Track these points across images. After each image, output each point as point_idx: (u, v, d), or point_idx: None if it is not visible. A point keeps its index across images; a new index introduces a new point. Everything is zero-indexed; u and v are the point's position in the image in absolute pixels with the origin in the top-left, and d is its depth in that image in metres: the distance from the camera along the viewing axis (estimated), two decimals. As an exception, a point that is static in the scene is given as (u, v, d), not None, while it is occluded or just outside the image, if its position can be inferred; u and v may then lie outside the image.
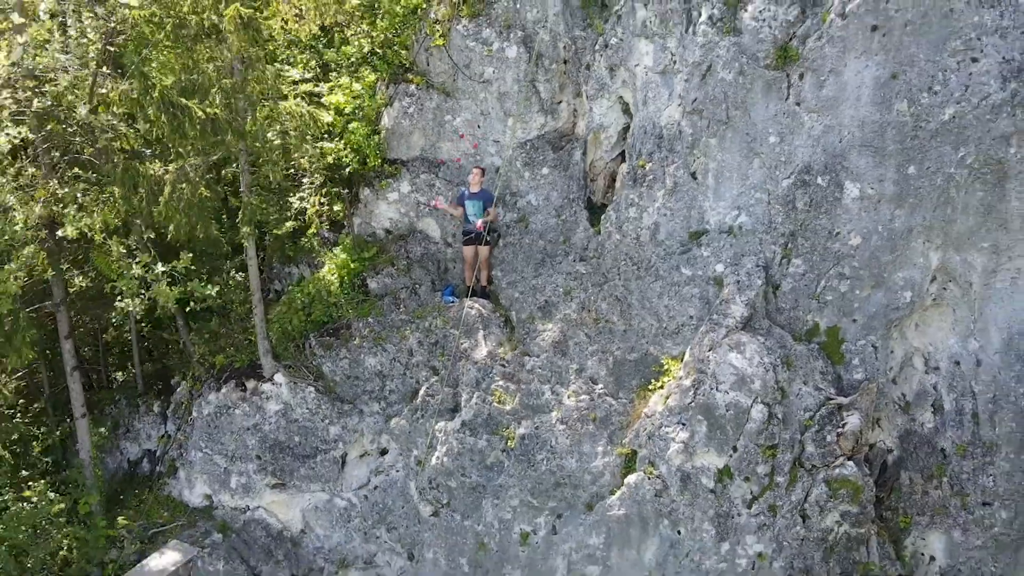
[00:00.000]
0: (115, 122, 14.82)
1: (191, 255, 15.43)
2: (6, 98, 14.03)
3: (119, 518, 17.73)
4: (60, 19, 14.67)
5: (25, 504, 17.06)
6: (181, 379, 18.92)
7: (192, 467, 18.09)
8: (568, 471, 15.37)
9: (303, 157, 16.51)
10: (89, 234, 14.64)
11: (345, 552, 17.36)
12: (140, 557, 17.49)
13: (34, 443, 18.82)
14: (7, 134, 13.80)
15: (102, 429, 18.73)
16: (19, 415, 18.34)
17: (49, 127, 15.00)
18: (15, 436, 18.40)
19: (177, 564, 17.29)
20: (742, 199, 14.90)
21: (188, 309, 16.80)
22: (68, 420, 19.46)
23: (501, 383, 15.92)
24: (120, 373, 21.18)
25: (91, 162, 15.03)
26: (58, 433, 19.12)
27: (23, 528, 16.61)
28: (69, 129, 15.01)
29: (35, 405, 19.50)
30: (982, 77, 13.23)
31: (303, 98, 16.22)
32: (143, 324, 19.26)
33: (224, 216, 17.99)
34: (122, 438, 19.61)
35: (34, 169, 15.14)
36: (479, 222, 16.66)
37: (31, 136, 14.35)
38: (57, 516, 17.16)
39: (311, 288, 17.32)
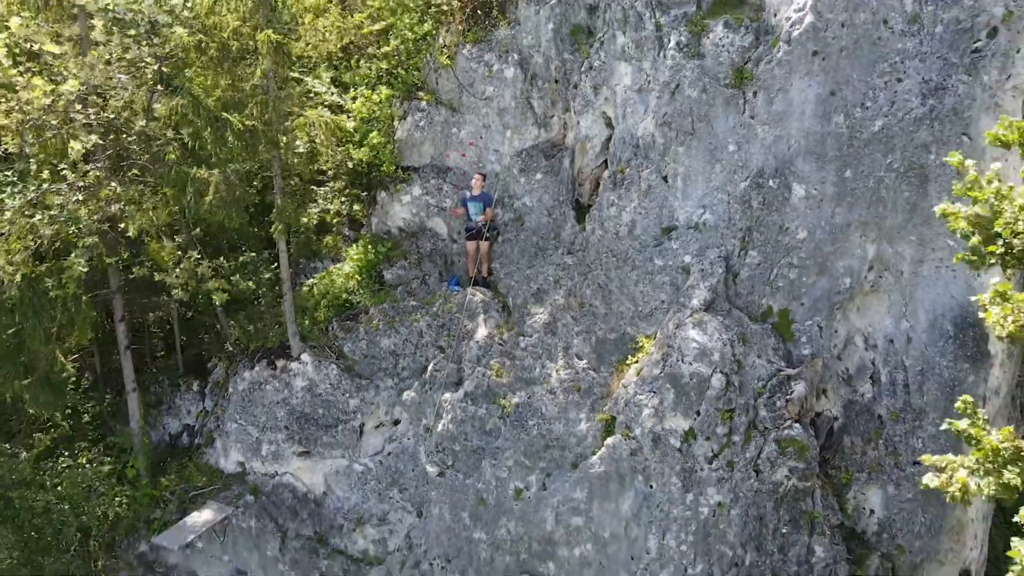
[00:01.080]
0: (167, 132, 17.17)
1: (236, 254, 17.80)
2: (79, 111, 16.38)
3: (162, 480, 20.01)
4: (122, 45, 16.95)
5: (79, 468, 19.36)
6: (218, 360, 21.22)
7: (228, 437, 20.33)
8: (556, 435, 17.58)
9: (328, 160, 18.78)
10: (145, 233, 16.95)
11: (362, 511, 19.54)
12: (182, 515, 19.82)
13: (84, 415, 21.09)
14: (81, 141, 16.13)
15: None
16: (73, 390, 20.56)
17: (111, 137, 17.34)
18: (69, 408, 20.62)
19: (214, 520, 19.68)
20: (706, 199, 17.15)
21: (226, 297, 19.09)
22: (114, 396, 21.77)
23: (499, 359, 18.15)
24: (163, 355, 23.42)
25: (147, 167, 17.37)
26: (107, 406, 21.39)
27: (80, 487, 18.89)
28: (128, 138, 17.36)
29: (85, 380, 21.73)
30: (905, 95, 15.47)
31: (327, 108, 18.50)
32: (185, 311, 21.54)
33: (257, 214, 20.26)
34: (164, 414, 21.87)
35: (97, 172, 17.44)
36: (480, 220, 18.92)
37: (99, 141, 16.63)
38: (108, 477, 19.44)
39: (333, 278, 19.61)
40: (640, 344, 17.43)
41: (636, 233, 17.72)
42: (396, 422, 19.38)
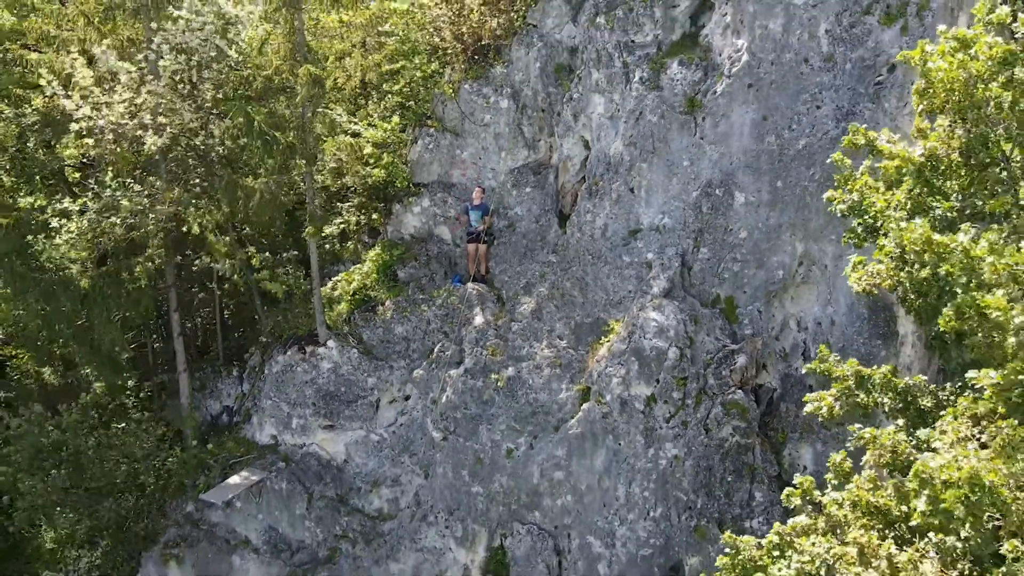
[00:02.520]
0: (220, 148, 20.56)
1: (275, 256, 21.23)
2: (150, 123, 19.75)
3: (208, 446, 23.16)
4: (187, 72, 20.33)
5: (139, 429, 22.52)
6: (255, 349, 24.41)
7: (263, 413, 23.47)
8: (541, 403, 20.72)
9: (351, 177, 22.11)
10: (203, 230, 20.27)
11: (377, 475, 22.59)
12: (224, 478, 22.90)
13: (141, 391, 24.29)
14: (153, 142, 19.42)
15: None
16: (133, 368, 23.78)
17: (173, 153, 20.72)
18: (127, 385, 23.84)
19: (252, 482, 22.73)
20: (665, 206, 20.45)
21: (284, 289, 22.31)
22: (166, 376, 24.96)
23: (494, 341, 21.35)
24: (203, 346, 26.65)
25: (202, 175, 20.73)
26: (160, 384, 24.61)
27: (138, 445, 22.01)
28: (187, 153, 20.74)
29: (142, 362, 24.98)
30: (823, 119, 18.77)
31: (350, 134, 21.86)
32: (227, 304, 24.81)
33: (290, 224, 23.59)
34: (207, 397, 25.01)
35: (159, 182, 20.79)
36: (479, 226, 22.20)
37: (165, 142, 19.90)
38: (162, 440, 22.55)
39: (354, 276, 22.89)
40: (611, 327, 20.63)
41: (608, 235, 21.01)
42: (407, 397, 22.48)
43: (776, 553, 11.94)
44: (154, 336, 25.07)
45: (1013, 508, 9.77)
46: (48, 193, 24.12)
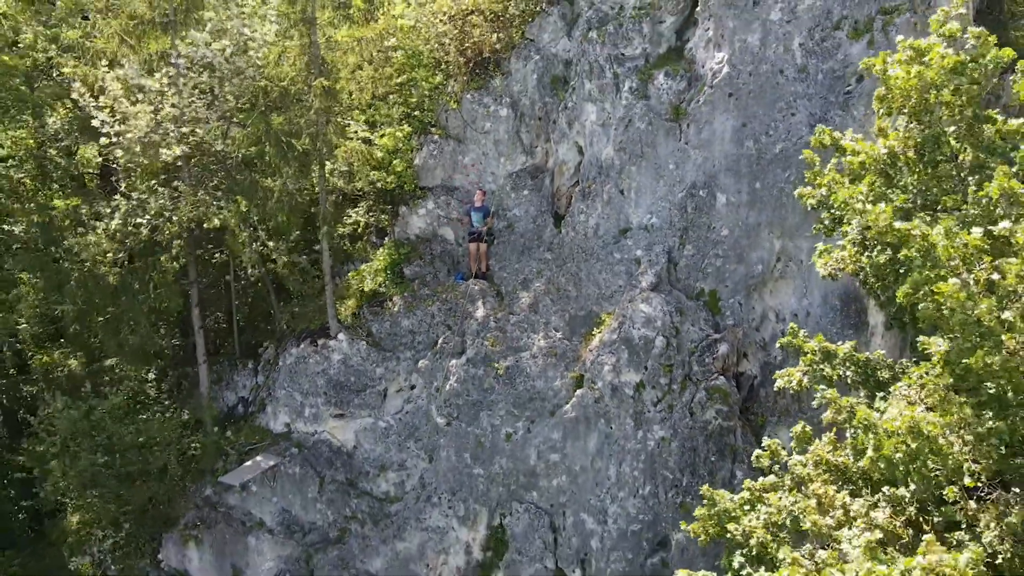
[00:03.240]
0: (239, 153, 21.89)
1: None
2: (173, 132, 21.10)
3: (227, 434, 24.40)
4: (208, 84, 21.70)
5: (163, 415, 23.78)
6: (269, 343, 25.68)
7: (277, 402, 24.70)
8: (538, 390, 21.99)
9: (361, 181, 23.44)
10: (224, 227, 21.59)
11: (384, 460, 23.81)
12: (240, 464, 24.14)
13: (163, 380, 25.57)
14: (175, 152, 20.76)
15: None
16: (157, 359, 25.04)
17: (196, 157, 22.04)
18: (151, 376, 25.13)
19: (267, 466, 23.95)
20: (653, 207, 21.80)
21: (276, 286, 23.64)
22: (182, 369, 26.22)
23: (493, 333, 22.63)
24: (222, 340, 27.92)
25: (223, 178, 22.05)
26: (181, 375, 25.87)
27: (163, 430, 23.25)
28: (208, 157, 22.06)
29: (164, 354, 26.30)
30: (798, 125, 20.11)
31: (361, 141, 23.19)
32: (243, 301, 26.10)
33: (304, 226, 24.91)
34: (224, 389, 26.24)
35: (182, 185, 22.11)
36: (481, 226, 23.51)
37: (187, 151, 21.24)
38: (184, 426, 23.80)
39: (364, 273, 24.20)
40: (603, 319, 21.93)
41: (600, 234, 22.35)
42: (412, 386, 23.69)
43: (747, 507, 13.24)
44: (176, 331, 26.30)
45: (949, 456, 11.07)
46: (67, 196, 25.54)
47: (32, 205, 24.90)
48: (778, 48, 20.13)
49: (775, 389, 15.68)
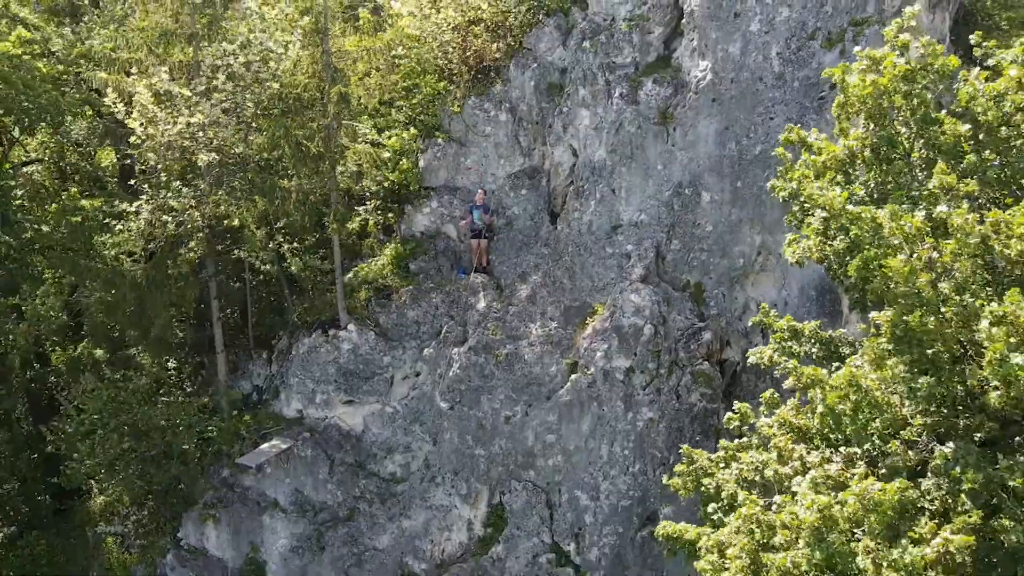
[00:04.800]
0: (258, 155, 23.43)
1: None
2: (201, 137, 22.65)
3: (245, 418, 25.88)
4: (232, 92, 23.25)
5: (184, 401, 25.28)
6: (282, 334, 27.17)
7: (290, 390, 26.16)
8: (535, 375, 23.47)
9: (371, 181, 24.97)
10: (243, 225, 23.13)
11: (391, 443, 25.26)
12: (256, 447, 25.60)
13: (181, 371, 27.07)
14: (204, 157, 22.34)
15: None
16: (178, 347, 26.56)
17: (219, 158, 23.53)
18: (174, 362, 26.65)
19: (281, 449, 25.40)
20: (642, 205, 23.31)
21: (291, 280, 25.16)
22: (200, 359, 27.74)
23: (494, 323, 24.10)
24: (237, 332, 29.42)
25: (242, 179, 23.57)
26: (199, 363, 27.39)
27: (184, 414, 24.74)
28: (229, 159, 23.60)
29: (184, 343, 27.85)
30: (776, 128, 21.52)
31: (369, 144, 24.71)
32: (258, 293, 27.62)
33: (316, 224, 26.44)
34: (239, 377, 27.69)
35: (203, 185, 23.65)
36: (482, 224, 25.02)
37: (214, 157, 22.79)
38: (203, 410, 25.28)
39: (372, 268, 25.73)
40: (595, 309, 23.41)
41: (593, 230, 23.87)
42: (418, 373, 25.15)
43: (722, 465, 14.73)
44: (194, 323, 27.82)
45: (885, 408, 12.60)
46: (88, 197, 27.14)
47: (55, 206, 26.44)
48: (757, 57, 21.67)
49: (748, 364, 17.11)
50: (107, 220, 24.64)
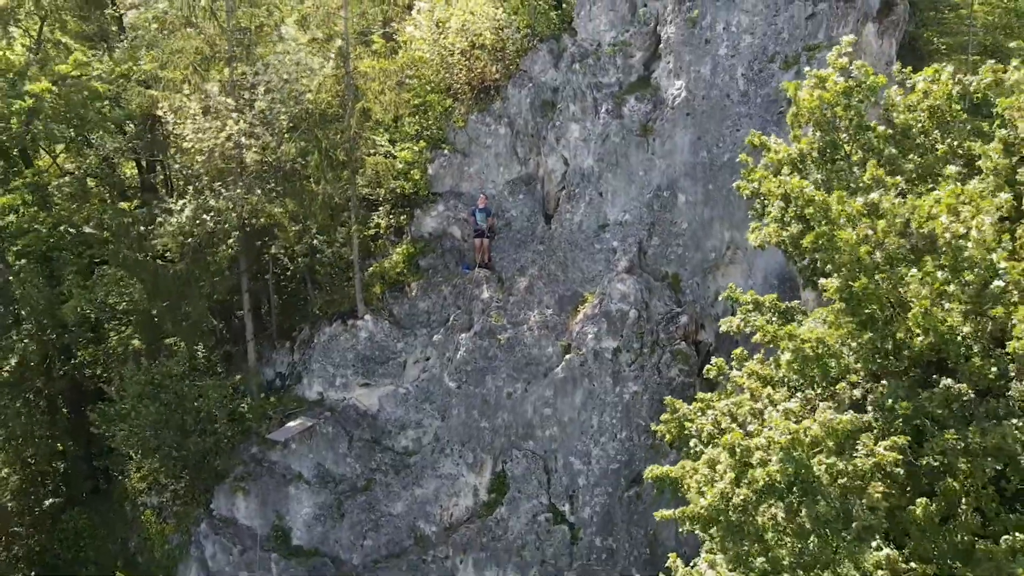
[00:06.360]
0: (289, 161, 26.19)
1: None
2: (243, 143, 25.40)
3: (271, 399, 28.49)
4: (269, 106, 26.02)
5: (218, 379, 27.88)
6: (305, 325, 29.81)
7: (312, 374, 28.80)
8: (533, 356, 26.26)
9: (385, 187, 27.79)
10: (276, 222, 25.86)
11: (404, 420, 27.89)
12: (282, 425, 28.18)
13: (211, 356, 29.62)
14: (251, 158, 25.09)
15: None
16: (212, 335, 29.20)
17: (259, 158, 26.20)
18: (200, 353, 29.24)
19: (306, 425, 27.97)
20: (626, 206, 26.26)
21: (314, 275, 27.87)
22: (228, 347, 30.34)
23: (496, 311, 26.88)
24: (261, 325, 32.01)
25: (276, 183, 26.28)
26: (226, 353, 29.97)
27: (216, 394, 27.31)
28: (263, 166, 26.30)
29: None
30: (742, 138, 24.23)
31: (385, 155, 27.57)
32: (285, 286, 30.30)
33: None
34: (263, 365, 30.28)
35: (240, 189, 26.33)
36: (484, 225, 27.86)
37: (256, 157, 25.49)
38: (233, 393, 27.86)
39: (386, 264, 28.51)
40: (586, 297, 26.27)
41: (583, 229, 26.79)
42: (428, 357, 27.83)
43: (699, 413, 17.62)
44: (219, 314, 30.46)
45: (843, 359, 15.57)
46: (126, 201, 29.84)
47: (93, 207, 29.10)
48: (725, 77, 24.73)
49: (720, 342, 19.99)
50: (149, 220, 27.20)
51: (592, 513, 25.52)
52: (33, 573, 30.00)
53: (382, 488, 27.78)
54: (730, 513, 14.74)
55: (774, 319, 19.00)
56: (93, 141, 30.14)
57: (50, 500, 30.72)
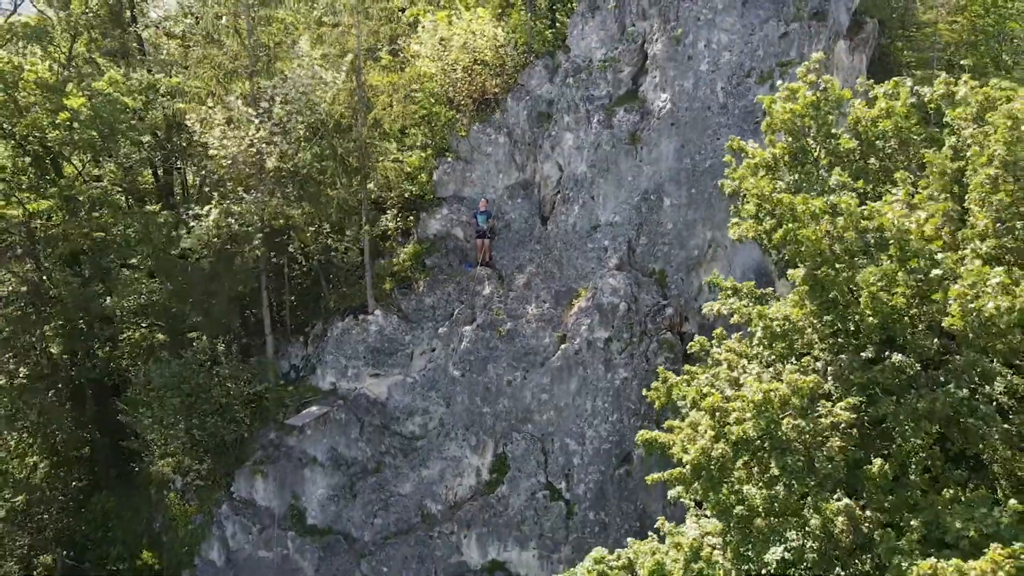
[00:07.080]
0: (307, 168, 28.28)
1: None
2: (264, 150, 27.46)
3: (289, 388, 30.51)
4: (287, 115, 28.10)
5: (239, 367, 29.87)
6: (318, 320, 31.85)
7: (325, 366, 30.81)
8: (532, 346, 28.38)
9: (395, 191, 29.90)
10: (294, 224, 27.93)
11: (411, 408, 29.91)
12: (298, 412, 30.18)
13: (229, 351, 31.59)
14: (271, 163, 27.13)
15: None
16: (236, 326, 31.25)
17: (279, 164, 28.26)
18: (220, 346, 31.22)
19: (320, 412, 29.97)
20: (616, 208, 28.45)
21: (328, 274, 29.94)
22: (244, 341, 32.34)
23: (497, 305, 29.02)
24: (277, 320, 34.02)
25: (294, 188, 28.36)
26: (244, 346, 31.97)
27: (234, 382, 29.30)
28: (282, 171, 28.39)
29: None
30: (722, 146, 26.55)
31: (394, 161, 29.68)
32: (300, 283, 32.35)
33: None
34: (278, 358, 32.28)
35: (262, 194, 28.41)
36: (485, 226, 29.99)
37: (278, 164, 27.55)
38: (252, 381, 29.85)
39: (395, 263, 30.61)
40: (580, 292, 28.41)
41: (577, 229, 28.95)
42: (433, 349, 29.88)
43: (685, 384, 19.78)
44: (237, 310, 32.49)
45: (806, 334, 17.79)
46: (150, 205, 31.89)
47: (118, 213, 31.12)
48: (706, 90, 26.96)
49: (702, 322, 22.15)
50: (177, 224, 29.25)
51: (586, 490, 27.55)
52: (64, 552, 31.82)
53: (391, 470, 29.75)
54: (711, 466, 16.87)
55: (750, 304, 21.18)
56: (120, 150, 32.03)
57: (78, 484, 32.52)
